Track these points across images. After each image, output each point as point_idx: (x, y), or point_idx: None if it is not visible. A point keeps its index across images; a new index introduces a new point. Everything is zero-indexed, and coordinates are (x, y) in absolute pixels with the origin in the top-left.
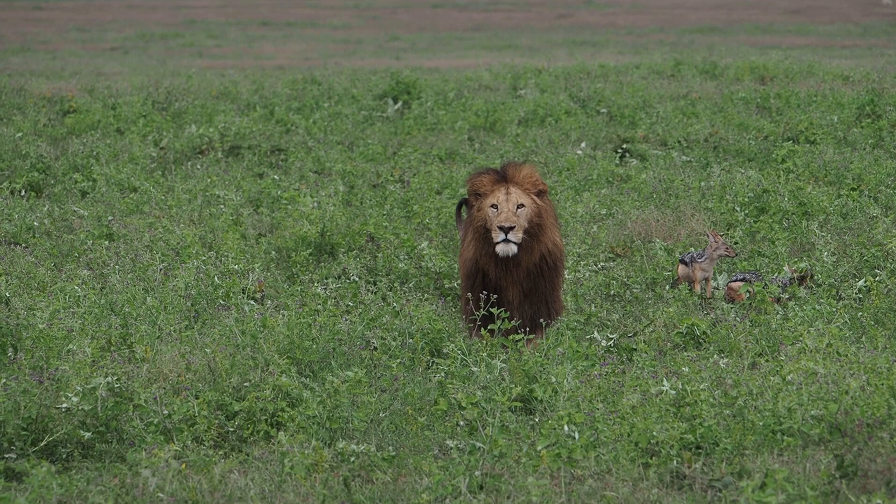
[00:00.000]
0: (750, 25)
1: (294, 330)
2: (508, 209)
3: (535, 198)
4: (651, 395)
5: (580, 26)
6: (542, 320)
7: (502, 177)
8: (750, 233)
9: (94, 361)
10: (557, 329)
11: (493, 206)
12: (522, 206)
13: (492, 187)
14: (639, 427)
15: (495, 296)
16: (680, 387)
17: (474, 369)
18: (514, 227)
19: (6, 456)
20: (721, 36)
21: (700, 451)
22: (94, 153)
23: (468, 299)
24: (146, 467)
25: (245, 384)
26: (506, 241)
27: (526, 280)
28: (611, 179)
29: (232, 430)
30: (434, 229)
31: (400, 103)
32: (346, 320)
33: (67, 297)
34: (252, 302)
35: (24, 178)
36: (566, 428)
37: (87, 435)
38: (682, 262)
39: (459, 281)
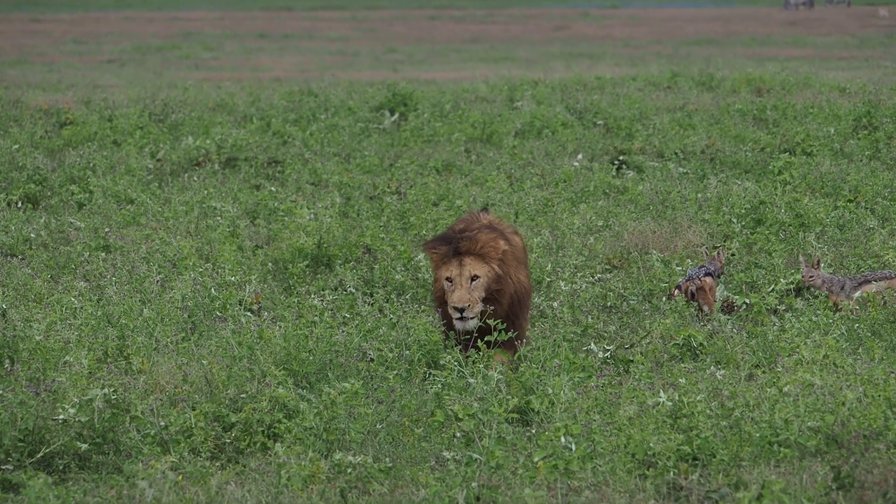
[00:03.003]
0: (747, 37)
1: (291, 341)
2: (462, 285)
3: (492, 264)
4: (648, 407)
5: (577, 38)
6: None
7: (452, 250)
8: (746, 244)
9: (90, 373)
10: (554, 341)
11: (447, 279)
12: (477, 276)
13: (444, 259)
14: (635, 438)
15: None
16: (676, 398)
17: (471, 381)
18: (468, 306)
19: (3, 468)
20: (718, 48)
21: (697, 462)
22: (91, 165)
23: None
24: (143, 479)
25: (242, 396)
26: (461, 318)
27: (483, 334)
28: (607, 191)
29: (228, 441)
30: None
31: (397, 115)
32: (343, 332)
33: (64, 308)
34: (249, 314)
35: (20, 190)
36: (563, 439)
37: (84, 446)
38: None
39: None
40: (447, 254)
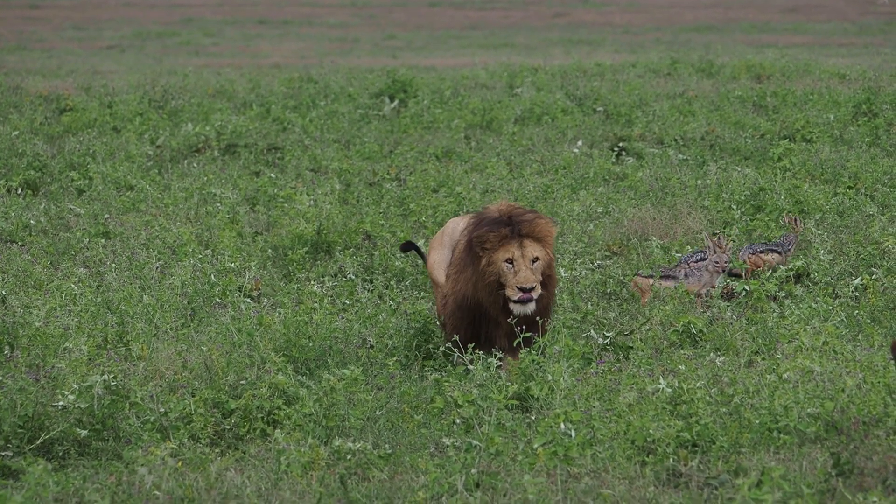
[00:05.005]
0: (746, 24)
1: (290, 328)
2: (526, 266)
3: (548, 248)
4: (647, 394)
5: (577, 25)
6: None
7: (514, 230)
8: (746, 231)
9: (90, 359)
10: (554, 327)
11: (507, 261)
12: (537, 259)
13: (502, 241)
14: (635, 425)
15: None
16: (676, 385)
17: (470, 367)
18: (535, 286)
19: (2, 454)
20: (717, 34)
21: (696, 449)
22: (91, 151)
23: (455, 327)
24: (142, 465)
25: (241, 382)
26: (520, 301)
27: (529, 322)
28: (607, 178)
29: (228, 427)
30: (430, 227)
31: (396, 102)
32: (343, 318)
33: (64, 295)
34: (248, 300)
35: (20, 177)
36: (563, 426)
37: (84, 433)
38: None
39: (440, 301)
40: (507, 235)
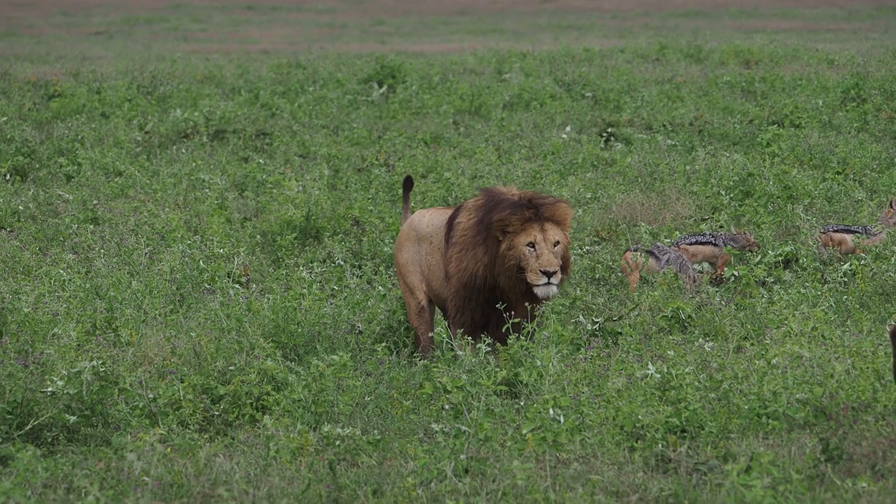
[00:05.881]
0: (735, 9)
1: (279, 314)
2: (549, 250)
3: (566, 232)
4: (636, 379)
5: (565, 10)
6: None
7: (537, 214)
8: (735, 216)
9: (79, 345)
10: (543, 313)
11: (529, 244)
12: (558, 242)
13: (524, 225)
14: (624, 411)
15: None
16: (665, 370)
17: (459, 353)
18: (557, 270)
19: None
20: (706, 20)
21: (685, 434)
22: (79, 137)
23: (459, 308)
24: (131, 451)
25: (230, 368)
26: (548, 283)
27: (539, 305)
28: (596, 163)
29: (217, 413)
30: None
31: (385, 87)
32: (332, 304)
33: (52, 281)
34: (237, 286)
35: (8, 163)
36: (551, 412)
37: (73, 419)
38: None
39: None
40: (530, 218)
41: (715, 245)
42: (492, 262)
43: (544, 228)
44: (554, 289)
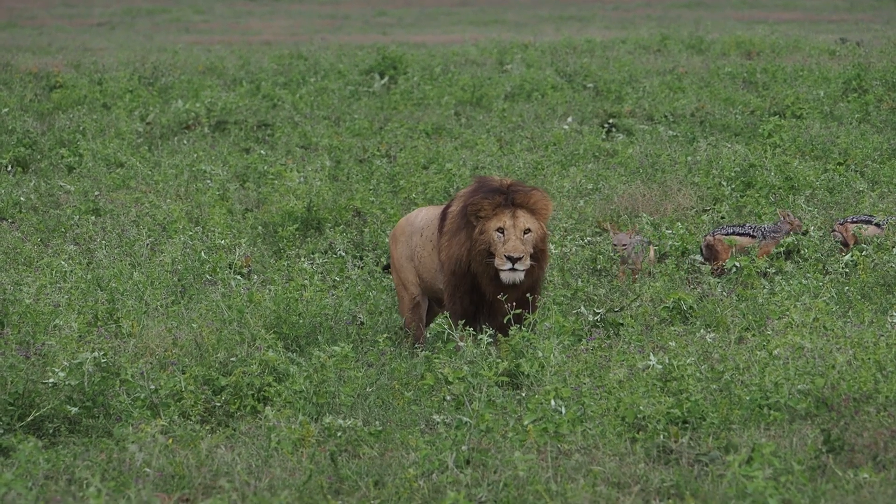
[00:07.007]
0: (736, 0)
1: (281, 305)
2: (516, 236)
3: (542, 222)
4: (638, 370)
5: (567, 1)
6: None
7: (507, 199)
8: (736, 207)
9: (80, 336)
10: (544, 304)
11: (498, 229)
12: (529, 230)
13: (495, 210)
14: (625, 402)
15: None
16: (667, 361)
17: (461, 344)
18: (523, 256)
19: None
20: (707, 10)
21: (687, 425)
22: (81, 128)
23: (452, 296)
24: (133, 442)
25: (232, 359)
26: (512, 269)
27: (518, 296)
28: (597, 154)
29: (219, 405)
30: (420, 204)
31: (386, 78)
32: (333, 295)
33: (54, 272)
34: (238, 277)
35: (10, 154)
36: (553, 403)
37: (74, 410)
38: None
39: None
40: (501, 204)
41: (752, 237)
42: (469, 247)
43: (515, 215)
44: (520, 275)
